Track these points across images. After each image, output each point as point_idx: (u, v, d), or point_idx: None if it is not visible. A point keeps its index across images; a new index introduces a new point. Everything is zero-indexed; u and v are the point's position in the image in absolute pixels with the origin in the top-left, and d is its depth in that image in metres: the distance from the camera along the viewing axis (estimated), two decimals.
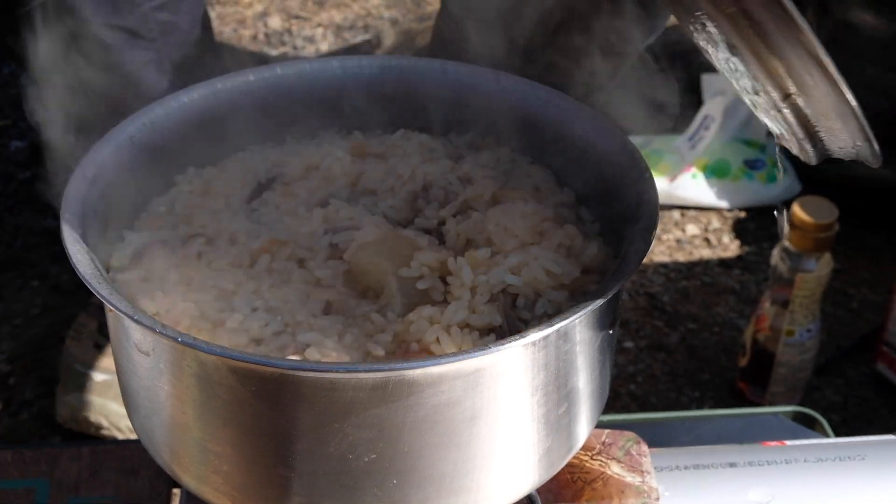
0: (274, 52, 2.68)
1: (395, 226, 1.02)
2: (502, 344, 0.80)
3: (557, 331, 0.83)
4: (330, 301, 0.93)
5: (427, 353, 0.86)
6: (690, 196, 2.28)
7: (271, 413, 0.83)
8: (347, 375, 0.79)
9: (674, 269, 2.15)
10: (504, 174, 1.08)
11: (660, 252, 2.19)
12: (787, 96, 0.73)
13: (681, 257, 2.17)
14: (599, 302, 0.83)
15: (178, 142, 1.05)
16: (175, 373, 0.85)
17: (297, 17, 2.81)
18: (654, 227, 0.91)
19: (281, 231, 1.00)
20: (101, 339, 1.85)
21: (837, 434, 1.28)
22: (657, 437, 1.15)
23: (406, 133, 1.12)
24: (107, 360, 1.80)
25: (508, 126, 1.09)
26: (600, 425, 1.07)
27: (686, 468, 1.10)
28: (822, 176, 2.21)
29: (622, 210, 0.96)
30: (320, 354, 0.86)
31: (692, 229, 2.25)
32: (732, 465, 1.11)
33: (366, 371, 0.79)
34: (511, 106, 1.08)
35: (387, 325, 0.89)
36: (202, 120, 1.07)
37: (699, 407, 1.90)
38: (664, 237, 2.23)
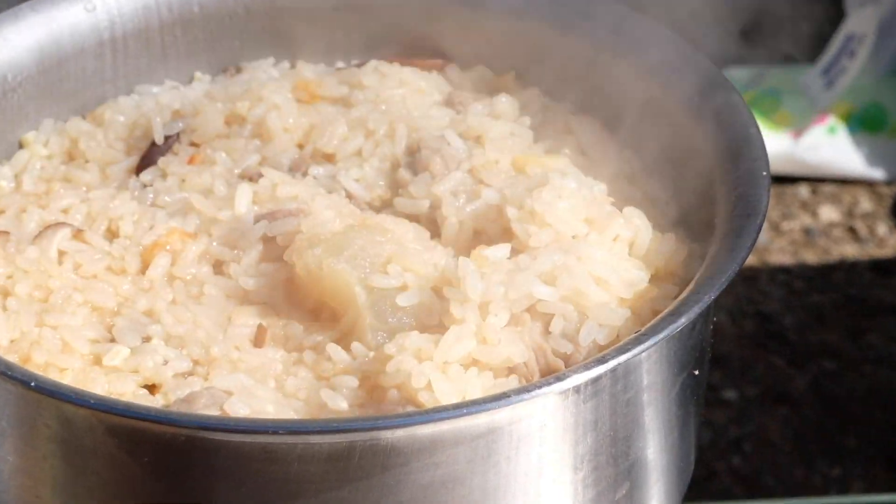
0: None
1: (364, 209, 1.04)
2: (529, 391, 0.81)
3: (614, 371, 0.84)
4: (264, 325, 0.95)
5: (413, 406, 0.87)
6: (826, 161, 2.29)
7: (174, 496, 0.84)
8: (291, 440, 0.80)
9: (800, 276, 2.16)
10: (532, 129, 1.10)
11: (778, 249, 2.20)
12: None
13: (811, 258, 2.19)
14: (678, 326, 0.85)
15: (30, 80, 1.07)
16: (25, 436, 0.86)
17: None
18: (762, 210, 0.92)
19: (188, 218, 1.02)
20: None
21: None
22: None
23: (380, 66, 1.14)
24: None
25: (536, 57, 1.11)
26: None
27: None
28: None
29: (714, 184, 0.98)
30: (249, 408, 0.87)
31: (828, 213, 2.26)
32: None
33: (319, 433, 0.81)
34: (540, 25, 1.10)
35: (351, 362, 0.91)
36: (66, 48, 1.09)
37: (842, 489, 1.91)
38: (784, 226, 2.24)
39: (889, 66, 2.34)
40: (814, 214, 2.32)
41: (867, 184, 2.39)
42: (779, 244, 2.26)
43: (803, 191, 2.37)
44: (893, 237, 2.27)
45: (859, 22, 2.35)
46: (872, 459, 1.98)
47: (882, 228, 2.29)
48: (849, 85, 2.35)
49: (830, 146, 2.33)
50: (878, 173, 2.35)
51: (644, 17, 1.06)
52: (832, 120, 2.34)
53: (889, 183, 2.39)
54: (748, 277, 2.19)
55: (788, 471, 1.96)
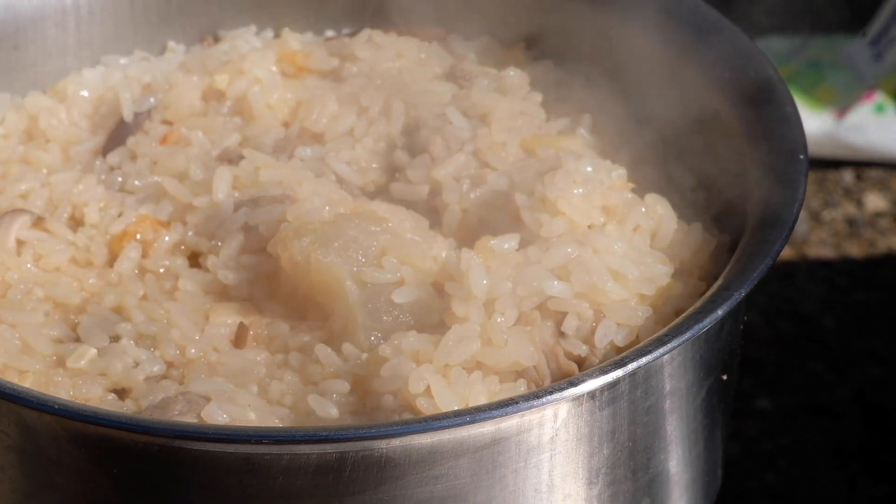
0: None
1: (357, 196, 1.04)
2: (539, 397, 0.82)
3: (633, 375, 0.85)
4: (245, 324, 0.96)
5: (410, 413, 0.88)
6: (872, 143, 2.29)
7: None
8: (276, 450, 0.81)
9: (843, 272, 2.17)
10: (543, 106, 1.10)
11: (818, 241, 2.21)
12: None
13: (855, 251, 2.19)
14: (704, 326, 0.85)
15: None
16: None
17: None
18: (799, 197, 0.93)
19: (160, 204, 1.03)
20: None
21: None
22: None
23: (375, 35, 1.14)
24: None
25: (548, 24, 1.12)
26: None
27: None
28: None
29: (745, 169, 0.99)
30: (228, 415, 0.88)
31: (875, 202, 2.26)
32: None
33: (307, 442, 0.81)
34: None
35: (342, 365, 0.92)
36: (25, 14, 1.10)
37: None
38: (826, 215, 2.25)
39: None
40: (858, 203, 2.33)
41: None
42: (819, 236, 2.26)
43: (847, 176, 2.37)
44: None
45: None
46: None
47: None
48: None
49: (878, 126, 2.33)
50: None
51: None
52: (880, 97, 2.34)
53: None
54: (784, 273, 2.19)
55: (828, 489, 1.96)
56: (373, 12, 1.16)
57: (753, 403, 2.10)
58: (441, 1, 1.15)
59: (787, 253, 0.95)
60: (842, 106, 2.39)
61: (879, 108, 2.38)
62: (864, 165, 2.41)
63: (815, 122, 2.22)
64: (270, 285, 0.98)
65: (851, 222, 2.32)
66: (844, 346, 2.19)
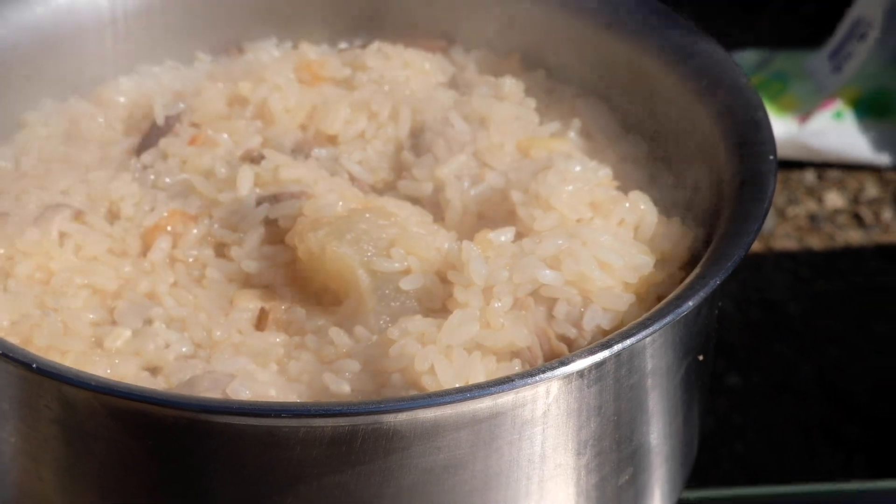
0: None
1: (367, 192, 1.04)
2: (532, 375, 0.82)
3: (618, 355, 0.85)
4: (266, 309, 0.95)
5: (416, 390, 0.88)
6: (832, 146, 2.29)
7: (176, 480, 0.85)
8: (294, 423, 0.81)
9: (805, 263, 2.17)
10: (537, 111, 1.10)
11: (783, 235, 2.21)
12: None
13: (816, 244, 2.19)
14: (683, 311, 0.85)
15: (28, 60, 1.08)
16: (27, 418, 0.87)
17: None
18: (769, 195, 0.93)
19: (189, 200, 1.02)
20: None
21: None
22: None
23: (384, 47, 1.14)
24: None
25: (542, 38, 1.11)
26: (685, 502, 1.09)
27: None
28: None
29: (720, 168, 0.98)
30: (251, 391, 0.88)
31: (834, 200, 2.26)
32: None
33: (322, 416, 0.81)
34: (551, 6, 1.10)
35: (354, 346, 0.92)
36: (66, 28, 1.10)
37: (845, 475, 1.91)
38: (790, 212, 2.25)
39: None
40: (819, 200, 2.33)
41: (873, 170, 2.39)
42: (784, 230, 2.26)
43: (809, 176, 2.37)
44: None
45: (867, 6, 2.35)
46: (876, 449, 1.98)
47: (887, 214, 2.30)
48: (856, 69, 2.36)
49: (836, 131, 2.33)
50: (884, 159, 2.35)
51: (658, 3, 1.06)
52: (839, 105, 2.34)
53: (895, 169, 2.39)
54: (753, 264, 2.19)
55: (791, 458, 1.96)
56: (382, 26, 1.15)
57: (725, 381, 2.10)
58: (443, 16, 1.14)
59: (755, 246, 0.94)
60: (804, 113, 2.39)
61: (838, 115, 2.39)
62: (824, 166, 2.42)
63: (780, 127, 2.22)
64: (289, 273, 0.98)
65: (813, 218, 2.32)
66: (807, 330, 2.19)
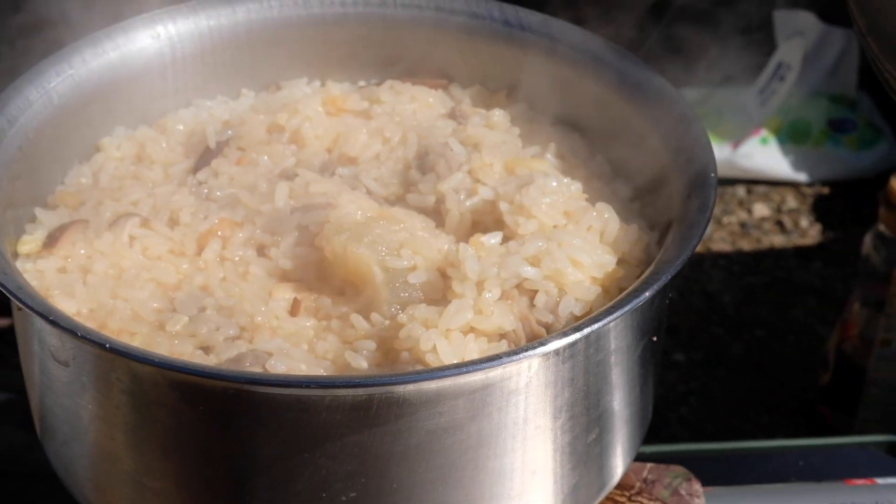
0: None
1: (382, 203, 1.03)
2: (516, 353, 0.82)
3: (587, 337, 0.84)
4: (298, 299, 0.94)
5: (421, 365, 0.87)
6: (759, 166, 2.30)
7: (224, 440, 0.84)
8: (320, 393, 0.80)
9: (737, 262, 2.17)
10: (520, 137, 1.09)
11: (719, 239, 2.20)
12: None
13: (746, 246, 2.19)
14: (640, 301, 0.85)
15: (105, 95, 1.07)
16: (102, 388, 0.87)
17: None
18: (710, 206, 0.92)
19: (236, 210, 1.02)
20: (2, 347, 1.86)
21: None
22: (715, 474, 1.17)
23: (395, 85, 1.13)
24: (11, 375, 1.81)
25: (525, 77, 1.10)
26: (641, 458, 1.09)
27: None
28: None
29: (670, 184, 0.98)
30: (286, 366, 0.87)
31: (761, 210, 2.26)
32: None
33: (344, 387, 0.81)
34: (529, 50, 1.09)
35: (370, 329, 0.91)
36: (135, 68, 1.08)
37: (769, 435, 1.91)
38: (725, 220, 2.24)
39: (812, 88, 2.35)
40: (749, 211, 2.33)
41: (793, 185, 2.40)
42: (720, 235, 2.26)
43: (740, 191, 2.37)
44: (814, 229, 2.28)
45: (788, 52, 2.36)
46: (793, 411, 1.98)
47: (804, 222, 2.30)
48: (779, 104, 2.36)
49: (763, 154, 2.34)
50: (801, 177, 2.36)
51: (616, 45, 1.05)
52: (764, 133, 2.35)
53: (811, 185, 2.40)
54: (695, 262, 2.20)
55: (726, 421, 1.96)
56: (394, 68, 1.15)
57: (672, 357, 2.10)
58: (444, 60, 1.13)
59: (697, 248, 0.94)
60: (737, 140, 2.40)
61: (764, 141, 2.40)
62: (753, 183, 2.42)
63: (718, 151, 2.23)
64: (317, 270, 0.97)
65: (743, 225, 2.32)
66: (737, 315, 2.19)
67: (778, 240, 2.26)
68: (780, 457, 1.33)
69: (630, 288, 0.87)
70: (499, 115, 1.09)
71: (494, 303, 0.90)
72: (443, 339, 0.87)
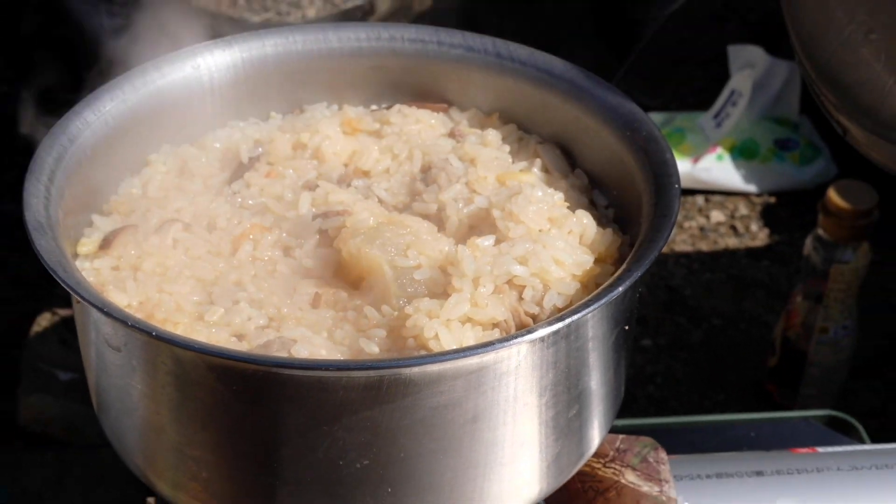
0: (255, 19, 2.68)
1: (391, 211, 1.02)
2: (507, 340, 0.81)
3: (568, 326, 0.83)
4: (319, 293, 0.94)
5: (425, 350, 0.86)
6: (715, 179, 2.29)
7: (254, 415, 0.84)
8: (338, 374, 0.80)
9: (696, 260, 2.16)
10: (510, 154, 1.08)
11: (681, 241, 2.19)
12: None
13: (704, 247, 2.18)
14: (614, 295, 0.84)
15: (152, 117, 1.06)
16: (149, 370, 0.86)
17: None
18: (674, 213, 0.91)
19: (265, 216, 1.01)
20: (67, 334, 1.85)
21: (875, 441, 1.29)
22: (677, 444, 1.16)
23: (403, 109, 1.12)
24: (73, 358, 1.80)
25: (515, 102, 1.09)
26: (614, 430, 1.08)
27: (708, 477, 1.11)
28: (861, 158, 2.21)
29: (640, 194, 0.97)
30: (308, 351, 0.86)
31: (717, 216, 2.25)
32: (759, 473, 1.12)
33: (358, 369, 0.80)
34: (517, 79, 1.08)
35: (381, 319, 0.90)
36: (178, 94, 1.07)
37: (723, 411, 1.90)
38: (686, 224, 2.23)
39: (760, 113, 2.35)
40: (707, 217, 2.32)
41: (744, 195, 2.40)
42: (682, 237, 2.26)
43: (699, 200, 2.37)
44: (762, 233, 2.27)
45: (739, 81, 2.36)
46: (745, 389, 1.98)
47: (754, 227, 2.29)
48: (731, 126, 2.36)
49: (718, 169, 2.34)
50: (752, 188, 2.36)
51: (593, 74, 1.04)
52: (720, 150, 2.35)
53: (759, 195, 2.40)
54: (661, 261, 2.19)
55: (687, 397, 1.95)
56: (402, 94, 1.13)
57: (641, 343, 2.09)
58: (445, 88, 1.12)
59: (663, 249, 0.94)
60: (696, 156, 2.40)
61: (719, 157, 2.40)
62: (710, 193, 2.42)
63: (680, 166, 2.23)
64: (335, 268, 0.96)
65: (702, 229, 2.31)
66: (697, 307, 2.18)
67: (732, 242, 2.25)
68: (733, 428, 1.32)
69: (605, 284, 0.87)
70: (492, 135, 1.08)
71: (488, 296, 0.89)
72: (444, 328, 0.86)
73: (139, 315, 0.88)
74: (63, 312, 1.92)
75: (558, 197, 0.99)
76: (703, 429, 1.33)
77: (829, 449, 1.18)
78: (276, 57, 1.11)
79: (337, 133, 1.09)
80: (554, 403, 0.88)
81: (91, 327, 0.90)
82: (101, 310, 0.82)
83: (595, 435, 0.96)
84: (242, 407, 0.83)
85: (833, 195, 1.75)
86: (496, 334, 0.88)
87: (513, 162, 1.07)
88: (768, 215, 2.26)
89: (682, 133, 2.31)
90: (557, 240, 0.94)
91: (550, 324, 0.82)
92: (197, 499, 0.89)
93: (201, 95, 1.09)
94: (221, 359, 0.81)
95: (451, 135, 1.10)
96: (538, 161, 1.07)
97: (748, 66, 2.32)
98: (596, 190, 1.05)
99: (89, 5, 1.66)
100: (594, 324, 0.87)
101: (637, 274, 0.86)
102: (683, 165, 2.30)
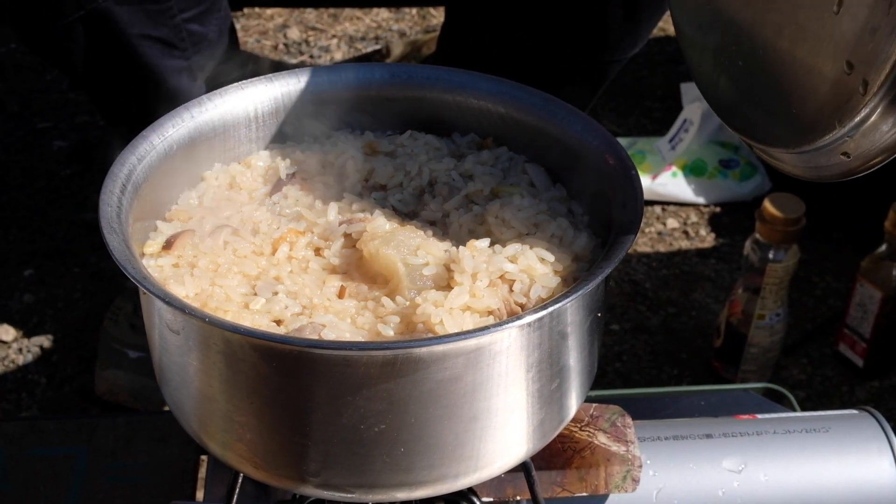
0: (293, 61, 2.68)
1: (403, 218, 1.01)
2: (500, 325, 0.80)
3: (551, 313, 0.83)
4: (344, 286, 0.93)
5: (432, 333, 0.85)
6: (671, 192, 2.28)
7: (290, 387, 0.83)
8: (360, 353, 0.79)
9: (655, 259, 2.15)
10: (502, 171, 1.07)
11: (643, 243, 2.18)
12: None
13: (662, 248, 2.17)
14: (589, 287, 0.83)
15: (207, 141, 1.05)
16: (202, 350, 0.85)
17: (314, 28, 2.80)
18: (638, 220, 0.90)
19: (300, 222, 1.00)
20: (135, 320, 1.85)
21: (803, 408, 1.28)
22: (640, 411, 1.15)
23: (413, 134, 1.11)
24: (141, 340, 1.80)
25: (506, 128, 1.09)
26: (589, 399, 1.07)
27: (666, 439, 1.10)
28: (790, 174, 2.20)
29: (610, 205, 0.96)
30: (335, 334, 0.86)
31: (672, 223, 2.24)
32: (708, 436, 1.11)
33: (376, 349, 0.79)
34: (507, 109, 1.07)
35: (396, 308, 0.89)
36: (228, 122, 1.06)
37: (678, 383, 1.90)
38: (647, 230, 2.22)
39: (707, 138, 2.35)
40: (664, 223, 2.31)
41: (695, 206, 2.39)
42: (643, 240, 2.25)
43: (658, 209, 2.36)
44: (710, 237, 2.27)
45: (690, 112, 2.37)
46: (696, 365, 1.97)
47: (703, 231, 2.28)
48: (684, 149, 2.36)
49: (673, 184, 2.33)
50: (701, 200, 2.36)
51: (570, 105, 1.03)
52: (674, 169, 2.35)
53: (707, 206, 2.40)
54: (626, 260, 2.19)
55: (647, 372, 1.94)
56: (412, 122, 1.12)
57: (610, 327, 2.08)
58: (447, 117, 1.10)
59: (628, 250, 0.94)
60: (654, 174, 2.39)
61: (674, 175, 2.39)
62: (666, 204, 2.41)
63: (642, 182, 2.24)
64: (358, 266, 0.95)
65: (660, 233, 2.30)
66: (656, 297, 2.18)
67: (684, 244, 2.25)
68: (686, 399, 1.31)
69: (581, 279, 0.86)
70: (487, 156, 1.08)
71: (484, 289, 0.89)
72: (447, 315, 0.86)
73: (195, 304, 0.88)
74: (133, 302, 1.92)
75: (542, 206, 0.99)
76: (661, 399, 1.33)
77: (767, 416, 1.17)
78: (309, 91, 1.10)
79: (359, 153, 1.08)
80: (538, 378, 0.87)
81: (155, 314, 0.89)
82: (163, 300, 0.81)
83: (573, 404, 0.95)
84: (280, 380, 0.82)
85: (768, 205, 1.75)
86: (491, 320, 0.88)
87: (504, 178, 1.07)
88: (714, 222, 2.25)
89: (643, 154, 2.30)
90: (541, 242, 0.93)
91: (536, 311, 0.81)
92: (242, 457, 0.88)
93: (247, 123, 1.08)
94: (263, 340, 0.80)
95: (453, 155, 1.09)
96: (525, 177, 1.06)
97: (698, 99, 2.32)
98: (574, 201, 1.04)
99: (157, 49, 1.66)
100: (572, 311, 0.87)
101: (607, 270, 0.85)
102: (644, 181, 2.29)
